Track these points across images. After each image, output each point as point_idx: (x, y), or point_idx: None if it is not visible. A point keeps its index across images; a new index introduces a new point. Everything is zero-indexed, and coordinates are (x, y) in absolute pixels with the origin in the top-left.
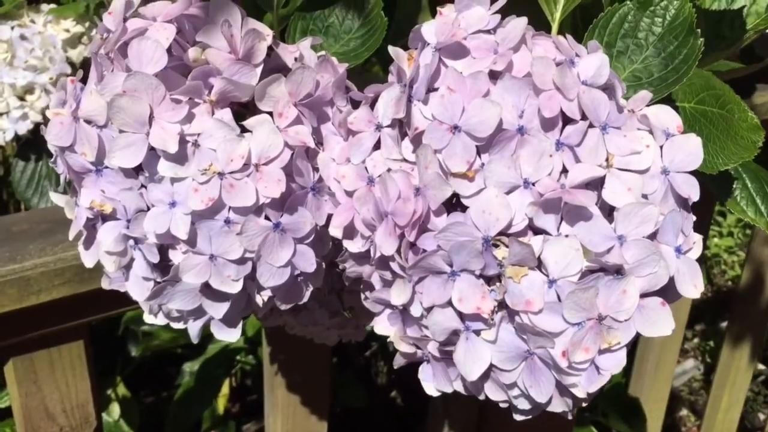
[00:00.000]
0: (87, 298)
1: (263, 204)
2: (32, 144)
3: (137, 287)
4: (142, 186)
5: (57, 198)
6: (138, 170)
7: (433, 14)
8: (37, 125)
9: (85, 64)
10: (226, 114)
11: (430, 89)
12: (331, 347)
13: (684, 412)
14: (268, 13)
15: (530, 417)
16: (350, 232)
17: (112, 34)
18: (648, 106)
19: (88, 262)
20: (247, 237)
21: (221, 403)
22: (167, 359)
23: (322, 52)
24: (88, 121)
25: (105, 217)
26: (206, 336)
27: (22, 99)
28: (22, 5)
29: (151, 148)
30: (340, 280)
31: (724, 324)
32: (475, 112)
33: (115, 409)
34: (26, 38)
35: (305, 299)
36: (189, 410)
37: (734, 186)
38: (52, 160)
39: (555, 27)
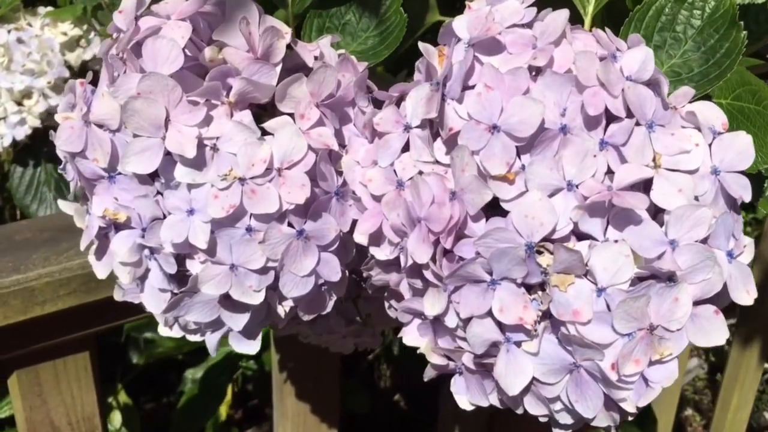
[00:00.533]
0: (94, 308)
1: (286, 210)
2: (30, 149)
3: (153, 299)
4: (158, 193)
5: (65, 206)
6: (153, 176)
7: (442, 13)
8: (35, 130)
9: (84, 67)
10: (246, 116)
11: (465, 87)
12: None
13: (689, 411)
14: (279, 11)
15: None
16: (377, 238)
17: (124, 34)
18: (690, 102)
19: (101, 273)
20: (269, 245)
21: (223, 410)
22: (168, 365)
23: (341, 51)
24: (100, 126)
25: (118, 226)
26: None
27: (19, 104)
28: (18, 8)
29: (167, 153)
30: (356, 287)
31: (728, 322)
32: (515, 110)
33: (117, 417)
34: (23, 42)
35: (328, 309)
36: (193, 419)
37: (765, 185)
38: (62, 166)
39: (588, 21)
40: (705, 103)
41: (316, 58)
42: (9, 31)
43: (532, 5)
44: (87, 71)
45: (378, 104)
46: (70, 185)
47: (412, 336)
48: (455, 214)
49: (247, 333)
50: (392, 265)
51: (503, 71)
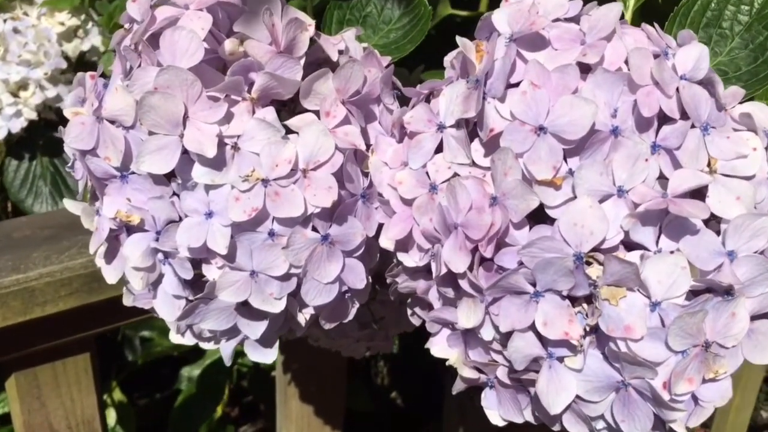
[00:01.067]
0: (96, 309)
1: (311, 214)
2: (26, 142)
3: (167, 306)
4: (174, 194)
5: (72, 205)
6: (169, 176)
7: (453, 5)
8: (31, 123)
9: (81, 58)
10: (270, 113)
11: (507, 85)
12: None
13: None
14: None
15: None
16: (404, 244)
17: (139, 24)
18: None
19: (111, 278)
20: (293, 251)
21: (219, 407)
22: (161, 360)
23: (364, 44)
24: (113, 122)
25: (130, 229)
26: None
27: (15, 95)
28: None
29: (185, 152)
30: (371, 290)
31: None
32: (564, 111)
33: (111, 414)
34: (19, 31)
35: (350, 317)
36: (191, 418)
37: None
38: (69, 164)
39: (628, 15)
40: (756, 104)
41: (340, 52)
42: (5, 21)
43: None
44: (84, 62)
45: (402, 101)
46: (79, 184)
47: (440, 347)
48: (497, 221)
49: (265, 341)
50: (420, 272)
51: (549, 68)
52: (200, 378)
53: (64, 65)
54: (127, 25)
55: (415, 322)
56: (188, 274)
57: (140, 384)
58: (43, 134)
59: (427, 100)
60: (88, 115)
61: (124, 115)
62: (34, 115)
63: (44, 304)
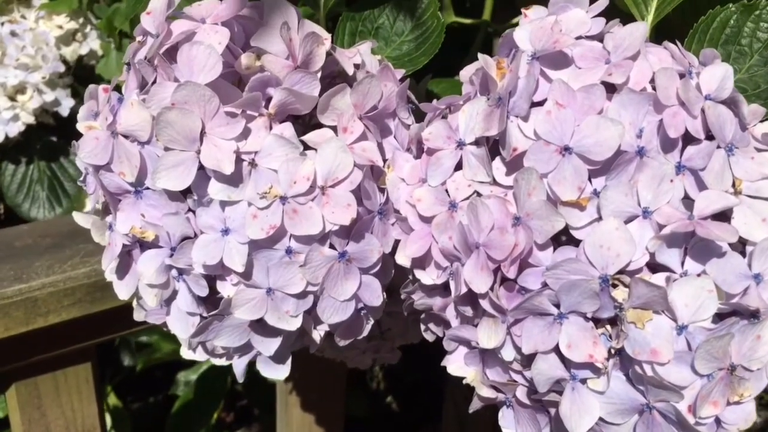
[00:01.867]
0: (99, 319)
1: (329, 231)
2: (23, 146)
3: (180, 323)
4: (189, 210)
5: (81, 218)
6: (184, 192)
7: (456, 13)
8: (28, 127)
9: (80, 62)
10: (287, 129)
11: (531, 104)
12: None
13: None
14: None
15: None
16: (421, 261)
17: (153, 38)
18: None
19: (124, 294)
20: (310, 268)
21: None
22: (155, 364)
23: (378, 57)
24: (126, 136)
25: (144, 245)
26: None
27: (12, 99)
28: (11, 0)
29: (201, 168)
30: None
31: None
32: (589, 131)
33: (106, 419)
34: (17, 35)
35: (365, 334)
36: (189, 424)
37: None
38: (81, 178)
39: (647, 33)
40: None
41: (356, 65)
42: (2, 24)
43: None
44: (83, 66)
45: (417, 115)
46: (91, 199)
47: (457, 365)
48: (520, 242)
49: (278, 357)
50: (437, 289)
51: (573, 87)
52: (198, 383)
53: (62, 69)
54: (140, 38)
55: (429, 338)
56: (203, 291)
57: (134, 387)
58: (40, 138)
59: (443, 115)
60: (102, 129)
61: (139, 131)
62: (31, 119)
63: (47, 315)
